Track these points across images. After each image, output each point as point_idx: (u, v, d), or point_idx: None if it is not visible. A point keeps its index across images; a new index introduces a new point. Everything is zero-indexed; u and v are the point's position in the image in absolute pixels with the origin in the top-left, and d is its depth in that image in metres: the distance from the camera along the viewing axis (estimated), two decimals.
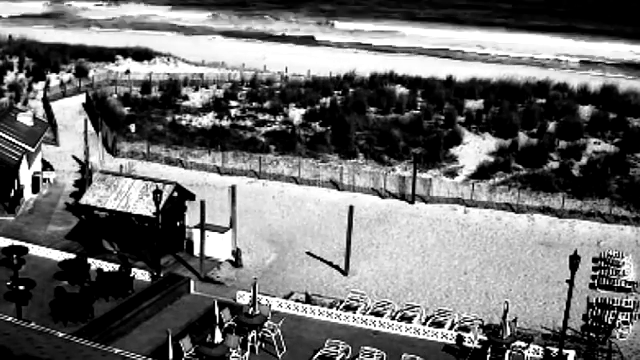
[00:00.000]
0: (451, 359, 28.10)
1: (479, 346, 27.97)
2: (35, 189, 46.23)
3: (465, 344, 28.66)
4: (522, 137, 54.29)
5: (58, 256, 35.30)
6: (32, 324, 26.75)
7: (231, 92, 67.40)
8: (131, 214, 36.79)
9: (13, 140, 43.53)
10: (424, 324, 30.48)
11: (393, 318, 30.93)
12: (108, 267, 34.16)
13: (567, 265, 26.89)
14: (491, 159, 52.01)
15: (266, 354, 27.66)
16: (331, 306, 32.39)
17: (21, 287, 28.56)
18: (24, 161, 43.76)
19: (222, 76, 75.76)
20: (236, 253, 38.77)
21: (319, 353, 27.08)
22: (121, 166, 48.39)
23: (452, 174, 51.07)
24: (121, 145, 55.49)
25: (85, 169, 47.31)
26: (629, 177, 48.27)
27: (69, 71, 75.70)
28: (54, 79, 72.99)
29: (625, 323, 32.09)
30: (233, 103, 65.07)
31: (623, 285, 36.34)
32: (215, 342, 25.45)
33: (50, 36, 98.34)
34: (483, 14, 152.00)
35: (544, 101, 60.40)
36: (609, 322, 31.85)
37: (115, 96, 67.55)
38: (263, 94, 66.34)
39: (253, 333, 27.61)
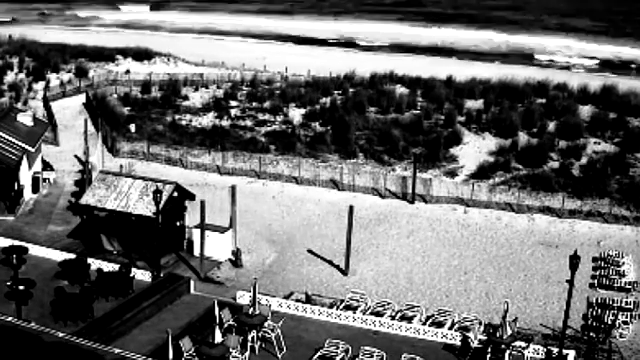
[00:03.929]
0: (451, 359, 28.09)
1: (479, 346, 27.96)
2: (35, 189, 46.21)
3: (466, 344, 28.64)
4: (522, 137, 54.29)
5: (58, 256, 35.27)
6: (32, 324, 26.78)
7: (231, 92, 67.42)
8: (131, 214, 36.78)
9: (13, 140, 43.51)
10: (424, 324, 30.46)
11: (393, 318, 30.90)
12: (108, 267, 34.13)
13: (567, 265, 26.86)
14: (491, 159, 51.99)
15: (266, 354, 27.63)
16: (331, 306, 32.37)
17: (21, 287, 28.54)
18: (24, 161, 43.76)
19: (222, 76, 75.76)
20: (236, 253, 38.76)
21: (319, 353, 27.05)
22: (121, 166, 48.37)
23: (452, 174, 51.05)
24: (121, 145, 55.48)
25: (85, 169, 47.30)
26: (629, 177, 48.25)
27: (69, 71, 75.73)
28: (54, 79, 73.03)
29: (625, 323, 32.08)
30: (233, 103, 65.08)
31: (623, 285, 36.33)
32: (215, 342, 25.44)
33: (50, 36, 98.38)
34: None
35: (544, 101, 60.42)
36: (609, 322, 31.84)
37: (115, 96, 67.55)
38: (263, 94, 66.35)
39: (253, 333, 27.58)
